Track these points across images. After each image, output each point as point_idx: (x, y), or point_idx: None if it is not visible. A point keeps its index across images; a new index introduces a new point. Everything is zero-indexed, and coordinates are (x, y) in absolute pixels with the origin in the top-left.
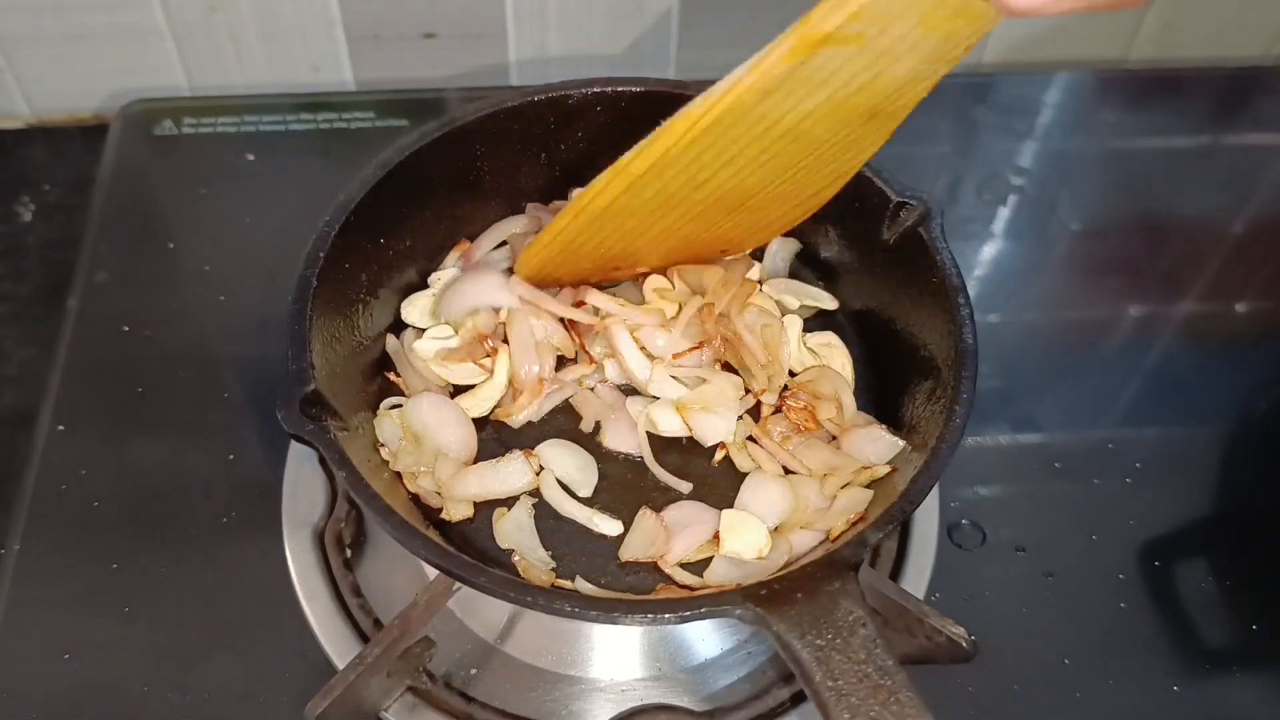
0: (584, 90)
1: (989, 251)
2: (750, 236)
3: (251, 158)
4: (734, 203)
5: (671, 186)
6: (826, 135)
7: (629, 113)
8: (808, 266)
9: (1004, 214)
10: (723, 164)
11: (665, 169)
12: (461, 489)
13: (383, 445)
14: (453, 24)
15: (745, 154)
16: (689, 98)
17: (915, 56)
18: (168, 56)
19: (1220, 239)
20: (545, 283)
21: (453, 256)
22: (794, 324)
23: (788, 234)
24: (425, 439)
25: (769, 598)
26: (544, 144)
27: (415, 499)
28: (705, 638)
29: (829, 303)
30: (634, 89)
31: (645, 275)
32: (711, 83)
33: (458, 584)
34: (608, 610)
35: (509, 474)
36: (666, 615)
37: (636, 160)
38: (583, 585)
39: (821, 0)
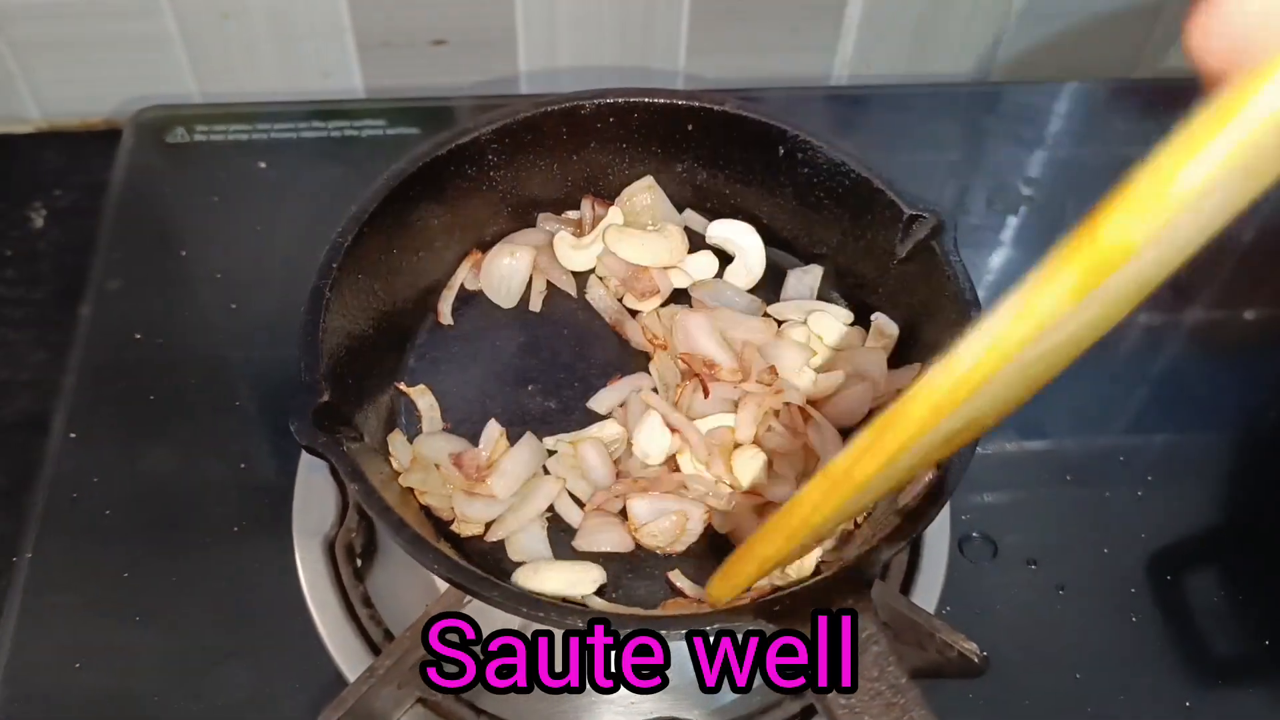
0: (597, 101)
1: (998, 260)
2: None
3: (263, 165)
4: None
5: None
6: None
7: (642, 124)
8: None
9: (1013, 223)
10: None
11: (892, 463)
12: (483, 515)
13: (394, 457)
14: (463, 32)
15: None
16: (704, 111)
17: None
18: (178, 62)
19: (1229, 247)
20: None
21: (465, 266)
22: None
23: (809, 259)
24: (439, 471)
25: (782, 613)
26: (557, 154)
27: (426, 510)
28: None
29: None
30: (647, 100)
31: None
32: (722, 91)
33: (469, 597)
34: (619, 625)
35: (536, 496)
36: (676, 630)
37: (865, 462)
38: (593, 601)
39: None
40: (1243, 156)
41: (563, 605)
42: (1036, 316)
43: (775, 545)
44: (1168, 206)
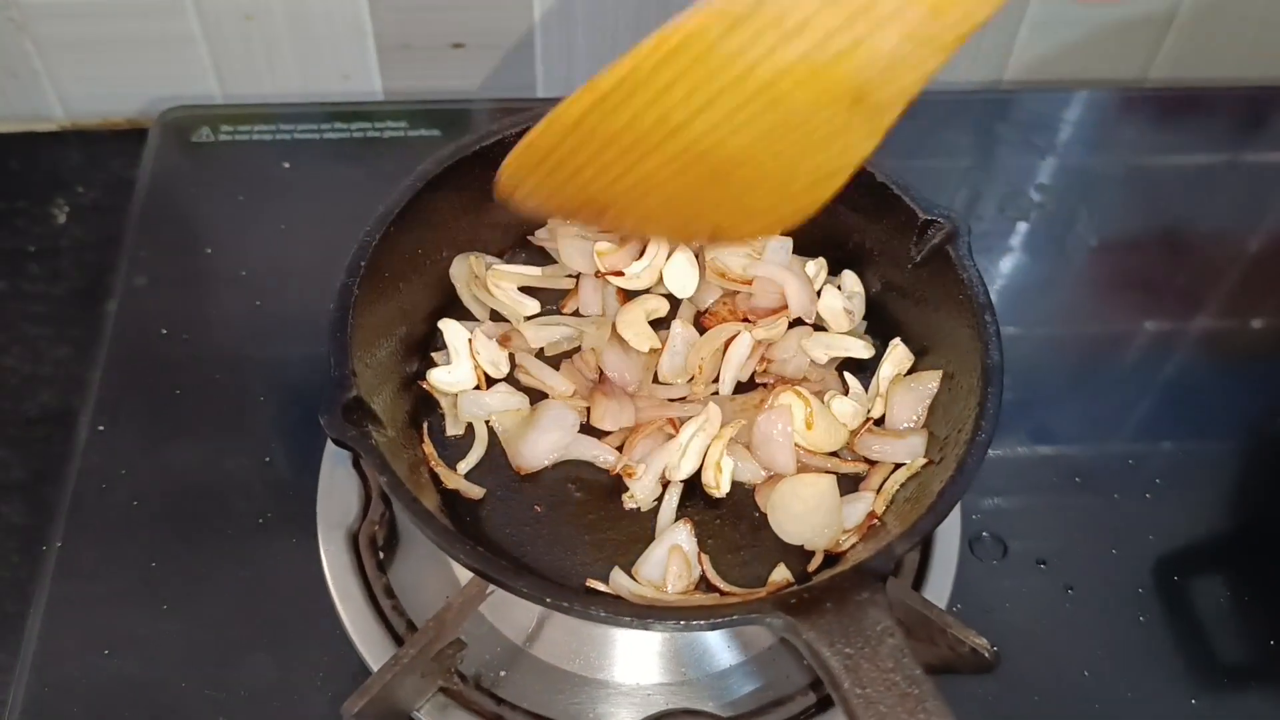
0: None
1: (1009, 266)
2: (739, 223)
3: (287, 165)
4: (716, 168)
5: (645, 120)
6: (807, 110)
7: None
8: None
9: (1024, 229)
10: (696, 108)
11: (634, 91)
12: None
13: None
14: (481, 35)
15: (721, 103)
16: None
17: (899, 28)
18: (201, 63)
19: (1238, 256)
20: (524, 203)
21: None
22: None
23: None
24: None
25: (799, 606)
26: None
27: (443, 496)
28: (729, 645)
29: (863, 351)
30: None
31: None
32: None
33: (492, 587)
34: (640, 615)
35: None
36: (698, 621)
37: (606, 76)
38: (620, 579)
39: None
40: None
41: (586, 595)
42: None
43: (541, 128)
44: None
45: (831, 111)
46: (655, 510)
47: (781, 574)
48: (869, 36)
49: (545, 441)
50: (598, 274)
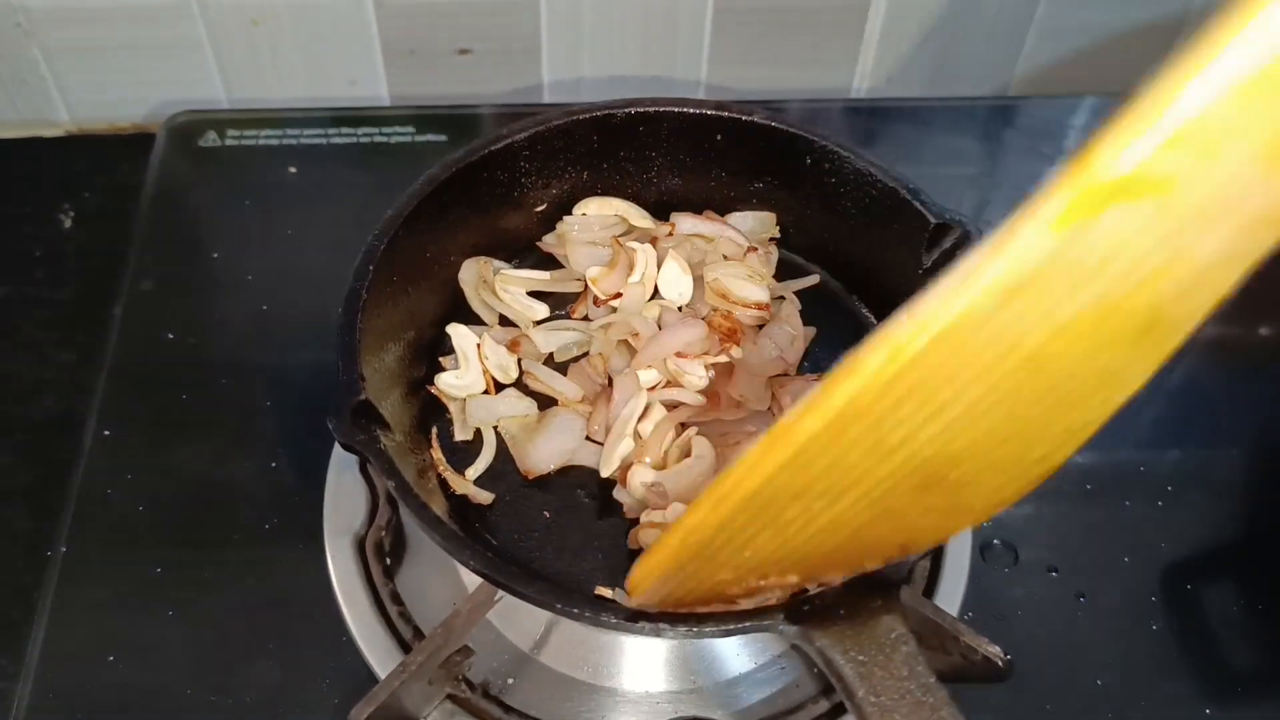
0: (629, 110)
1: None
2: (943, 525)
3: (293, 170)
4: (932, 475)
5: (853, 454)
6: (1079, 363)
7: (671, 133)
8: (847, 288)
9: None
10: (929, 416)
11: (849, 426)
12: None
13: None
14: (487, 41)
15: (963, 397)
16: (733, 121)
17: (1237, 218)
18: (207, 68)
19: None
20: (666, 603)
21: None
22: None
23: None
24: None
25: (811, 614)
26: (587, 162)
27: (451, 502)
28: (739, 652)
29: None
30: (677, 110)
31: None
32: (745, 103)
33: (500, 594)
34: (652, 622)
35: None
36: (709, 628)
37: (807, 417)
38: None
39: (1110, 130)
40: (1258, 83)
41: (595, 602)
42: (1015, 249)
43: (703, 513)
44: (1171, 128)
45: (1111, 354)
46: None
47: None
48: (1195, 242)
49: (552, 446)
50: (596, 301)
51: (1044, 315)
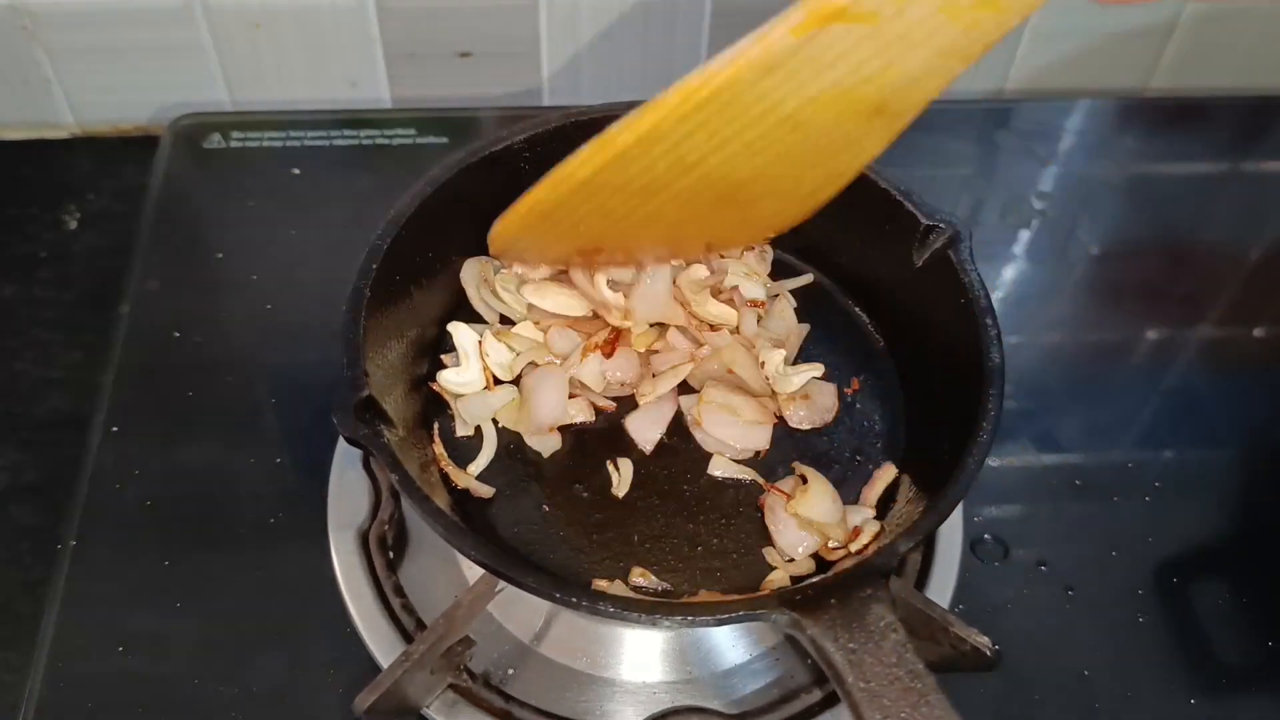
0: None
1: (1010, 274)
2: (738, 234)
3: (297, 172)
4: (723, 193)
5: (659, 167)
6: (827, 127)
7: None
8: (841, 287)
9: (1025, 237)
10: (715, 147)
11: (654, 145)
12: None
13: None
14: (488, 43)
15: (740, 138)
16: None
17: (931, 47)
18: (210, 71)
19: (1238, 264)
20: (518, 258)
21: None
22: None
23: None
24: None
25: (804, 603)
26: None
27: (453, 496)
28: (734, 644)
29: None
30: None
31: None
32: None
33: (501, 585)
34: (648, 611)
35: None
36: (704, 618)
37: (624, 132)
38: (624, 589)
39: None
40: None
41: (594, 593)
42: (768, 42)
43: (547, 189)
44: None
45: (851, 125)
46: (660, 509)
47: (780, 575)
48: (901, 58)
49: (547, 406)
50: (598, 349)
51: (796, 89)
